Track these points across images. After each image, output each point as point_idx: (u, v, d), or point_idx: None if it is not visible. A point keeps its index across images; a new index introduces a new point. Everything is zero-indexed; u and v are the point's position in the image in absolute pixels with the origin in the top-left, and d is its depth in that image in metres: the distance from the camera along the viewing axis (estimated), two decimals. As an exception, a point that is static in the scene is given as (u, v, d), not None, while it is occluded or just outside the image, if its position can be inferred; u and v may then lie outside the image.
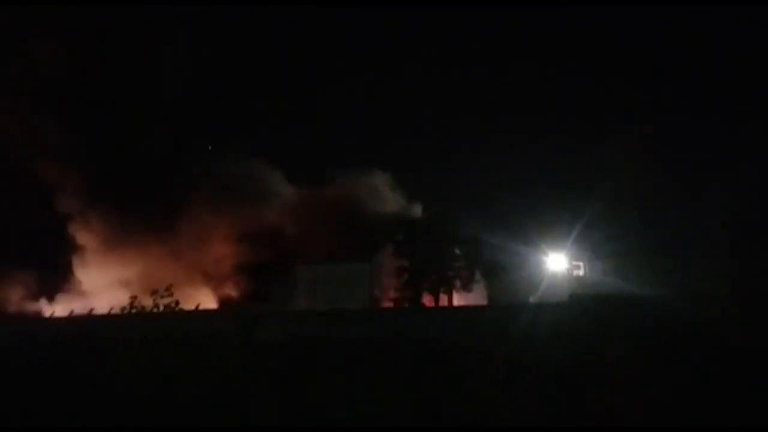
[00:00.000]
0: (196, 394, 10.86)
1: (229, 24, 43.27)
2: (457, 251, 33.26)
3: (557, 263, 33.16)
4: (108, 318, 25.31)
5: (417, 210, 37.06)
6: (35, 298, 34.44)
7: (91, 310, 30.32)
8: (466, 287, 32.74)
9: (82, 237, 36.19)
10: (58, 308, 33.61)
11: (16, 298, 33.89)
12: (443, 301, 32.67)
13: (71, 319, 29.54)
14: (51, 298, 34.75)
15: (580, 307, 19.88)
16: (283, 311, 29.78)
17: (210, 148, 40.12)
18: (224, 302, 33.92)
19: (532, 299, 30.43)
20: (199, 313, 26.08)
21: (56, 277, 35.29)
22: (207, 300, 32.62)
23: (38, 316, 33.02)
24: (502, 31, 51.80)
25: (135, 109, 37.62)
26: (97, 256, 35.88)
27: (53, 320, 31.09)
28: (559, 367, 12.07)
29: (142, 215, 35.62)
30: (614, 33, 50.63)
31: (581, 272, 33.11)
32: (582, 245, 32.16)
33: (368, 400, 10.93)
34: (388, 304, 32.25)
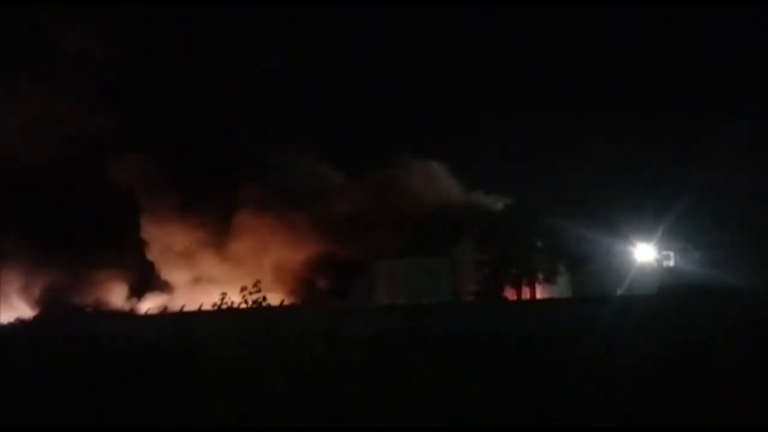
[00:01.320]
0: (289, 391, 11.15)
1: (283, 17, 43.26)
2: (540, 243, 32.80)
3: (645, 254, 32.16)
4: (200, 315, 26.48)
5: (493, 202, 36.69)
6: (130, 296, 36.21)
7: (183, 307, 31.72)
8: (550, 280, 32.26)
9: (165, 237, 37.48)
10: (148, 306, 35.27)
11: (112, 297, 35.77)
12: (526, 294, 32.33)
13: (166, 317, 31.03)
14: (141, 297, 36.42)
15: (670, 298, 19.26)
16: (365, 307, 30.19)
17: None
18: (305, 298, 34.57)
19: (618, 291, 29.67)
20: (285, 310, 26.82)
21: (145, 276, 36.93)
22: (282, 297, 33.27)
23: (133, 313, 34.75)
24: (590, 23, 50.09)
25: (202, 111, 38.46)
26: (177, 256, 37.12)
27: (149, 318, 32.67)
28: (649, 363, 11.78)
29: (214, 217, 36.61)
30: (710, 29, 48.50)
31: (672, 263, 32.00)
32: (673, 235, 31.08)
33: (455, 395, 10.98)
34: (470, 298, 32.16)
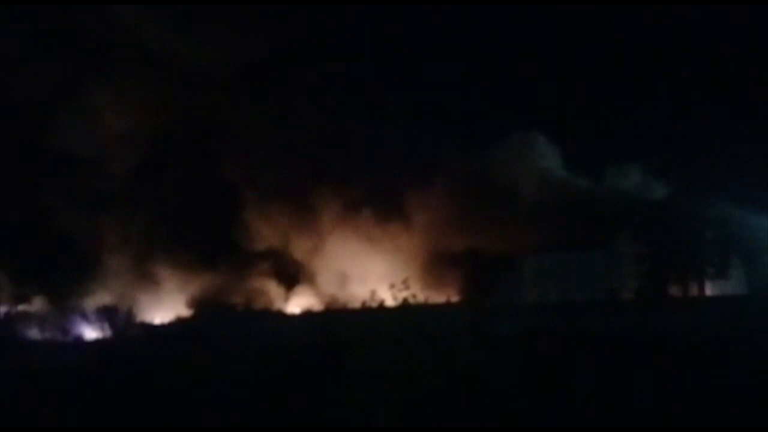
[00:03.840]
0: (433, 393, 11.53)
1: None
2: (709, 233, 31.31)
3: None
4: (348, 312, 27.84)
5: (653, 189, 35.25)
6: (281, 294, 38.35)
7: (328, 305, 33.36)
8: (721, 274, 30.73)
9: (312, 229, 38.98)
10: (297, 303, 37.22)
11: (264, 295, 38.12)
12: (693, 290, 31.02)
13: (314, 315, 32.83)
14: (290, 294, 38.38)
15: None
16: (513, 304, 30.14)
17: None
18: (449, 295, 34.85)
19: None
20: (431, 307, 27.36)
21: (293, 272, 38.81)
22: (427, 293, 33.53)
23: (282, 312, 36.85)
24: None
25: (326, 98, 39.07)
26: (317, 253, 38.53)
27: (299, 316, 34.60)
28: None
29: (350, 210, 37.59)
30: None
31: None
32: None
33: (614, 399, 10.92)
34: (629, 296, 31.25)
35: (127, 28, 37.41)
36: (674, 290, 31.27)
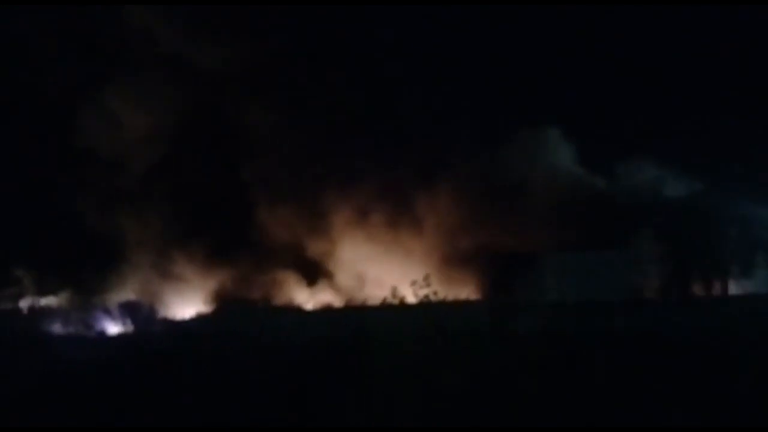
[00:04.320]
0: (460, 389, 11.52)
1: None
2: (733, 232, 30.99)
3: None
4: (368, 309, 27.87)
5: (675, 186, 34.90)
6: (301, 290, 38.48)
7: (348, 300, 33.39)
8: (745, 273, 30.39)
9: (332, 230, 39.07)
10: (316, 300, 37.33)
11: (283, 291, 38.27)
12: (717, 289, 30.69)
13: (334, 311, 32.98)
14: (310, 290, 38.49)
15: None
16: (534, 303, 30.01)
17: None
18: (469, 292, 34.76)
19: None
20: (451, 304, 27.34)
21: (312, 270, 38.92)
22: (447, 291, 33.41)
23: (302, 308, 36.98)
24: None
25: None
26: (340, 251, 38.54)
27: (318, 312, 34.74)
28: None
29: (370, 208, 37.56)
30: None
31: None
32: None
33: (635, 399, 10.86)
34: (651, 295, 31.03)
35: (145, 29, 37.88)
36: (697, 289, 30.98)
